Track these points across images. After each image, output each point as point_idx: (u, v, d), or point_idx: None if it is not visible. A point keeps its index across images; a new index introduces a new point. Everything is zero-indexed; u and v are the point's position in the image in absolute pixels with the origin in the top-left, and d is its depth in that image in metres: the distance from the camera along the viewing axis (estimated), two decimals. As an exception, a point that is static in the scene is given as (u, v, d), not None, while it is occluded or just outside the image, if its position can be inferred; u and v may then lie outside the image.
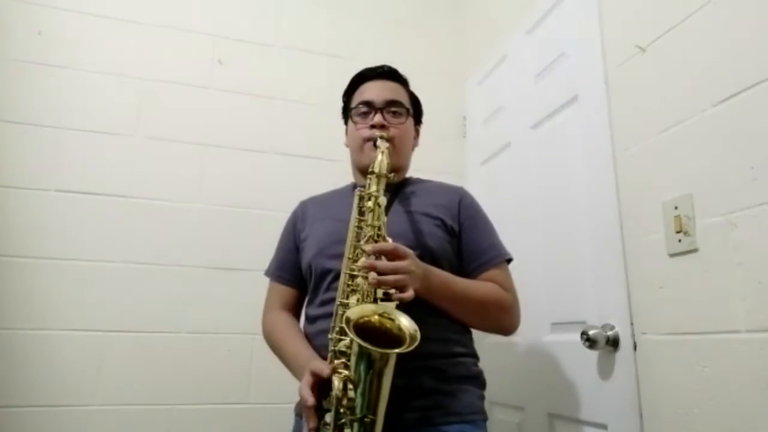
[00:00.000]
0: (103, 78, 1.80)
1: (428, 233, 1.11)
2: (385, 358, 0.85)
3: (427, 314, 0.99)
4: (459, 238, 1.15)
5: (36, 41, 1.76)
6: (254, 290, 1.31)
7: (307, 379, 0.92)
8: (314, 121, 1.99)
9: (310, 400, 0.89)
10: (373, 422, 0.85)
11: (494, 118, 1.89)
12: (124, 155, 1.77)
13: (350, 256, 1.00)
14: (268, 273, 1.28)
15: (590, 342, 1.18)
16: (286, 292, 1.23)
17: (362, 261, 0.95)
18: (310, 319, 1.15)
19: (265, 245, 1.33)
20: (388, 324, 0.90)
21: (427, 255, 1.05)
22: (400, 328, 0.88)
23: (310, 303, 1.17)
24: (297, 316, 1.22)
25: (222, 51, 1.95)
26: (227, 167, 1.86)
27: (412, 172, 1.28)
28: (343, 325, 0.87)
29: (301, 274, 1.20)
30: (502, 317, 1.12)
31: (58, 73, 1.76)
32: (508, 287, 1.14)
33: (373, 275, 0.91)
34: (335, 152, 1.56)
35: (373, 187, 1.03)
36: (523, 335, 1.57)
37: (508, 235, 1.80)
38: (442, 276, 1.04)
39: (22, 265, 1.61)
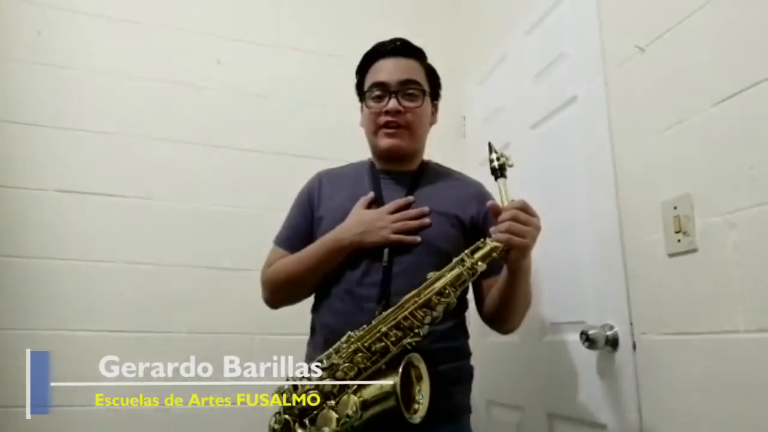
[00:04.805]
0: (103, 78, 1.80)
1: (444, 235, 1.10)
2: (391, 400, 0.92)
3: (442, 318, 0.98)
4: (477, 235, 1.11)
5: (36, 41, 1.76)
6: (254, 290, 1.31)
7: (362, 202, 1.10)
8: (314, 120, 1.99)
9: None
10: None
11: (494, 118, 1.89)
12: (124, 155, 1.77)
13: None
14: (277, 241, 1.25)
15: (590, 342, 1.18)
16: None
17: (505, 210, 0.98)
18: (333, 296, 1.12)
19: (265, 245, 1.32)
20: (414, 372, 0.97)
21: (443, 257, 1.03)
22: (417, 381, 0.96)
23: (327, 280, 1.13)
24: None
25: (222, 51, 1.95)
26: (227, 167, 1.86)
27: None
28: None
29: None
30: (522, 317, 1.14)
31: (58, 73, 1.76)
32: None
33: (500, 235, 0.95)
34: (336, 152, 1.57)
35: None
36: (522, 335, 1.57)
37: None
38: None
39: (23, 265, 1.61)
